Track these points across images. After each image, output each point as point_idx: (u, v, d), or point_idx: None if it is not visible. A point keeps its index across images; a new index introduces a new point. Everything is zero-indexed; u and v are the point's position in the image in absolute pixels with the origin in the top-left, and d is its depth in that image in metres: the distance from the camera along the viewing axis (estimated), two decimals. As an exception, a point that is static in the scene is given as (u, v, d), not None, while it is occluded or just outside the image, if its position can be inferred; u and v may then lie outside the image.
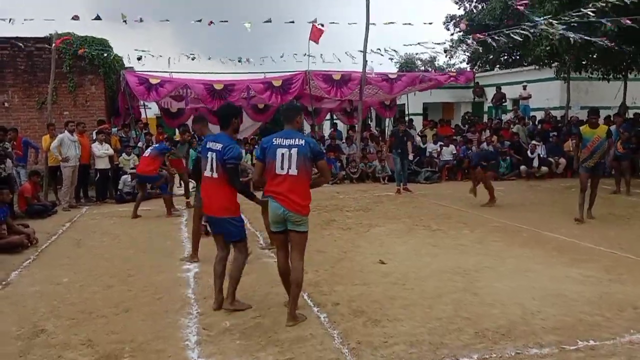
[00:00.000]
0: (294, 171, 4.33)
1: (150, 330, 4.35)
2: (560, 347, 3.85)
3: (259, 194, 4.83)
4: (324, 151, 13.13)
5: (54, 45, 12.69)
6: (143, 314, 4.73)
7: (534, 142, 15.08)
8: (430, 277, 5.62)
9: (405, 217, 9.20)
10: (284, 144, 4.38)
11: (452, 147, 15.26)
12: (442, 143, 15.45)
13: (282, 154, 4.34)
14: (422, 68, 37.19)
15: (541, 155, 14.86)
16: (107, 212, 10.55)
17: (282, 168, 4.34)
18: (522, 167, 14.75)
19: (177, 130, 15.36)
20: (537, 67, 17.46)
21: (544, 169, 14.70)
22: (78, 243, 7.81)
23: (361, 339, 4.05)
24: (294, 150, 4.34)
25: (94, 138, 11.97)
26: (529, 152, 14.88)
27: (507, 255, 6.51)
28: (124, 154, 12.60)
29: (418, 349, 3.85)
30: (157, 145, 10.54)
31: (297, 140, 4.39)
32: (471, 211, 9.73)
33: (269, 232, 5.19)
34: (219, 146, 4.62)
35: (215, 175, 4.66)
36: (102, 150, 11.64)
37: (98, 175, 11.80)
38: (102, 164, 11.70)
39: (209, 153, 4.68)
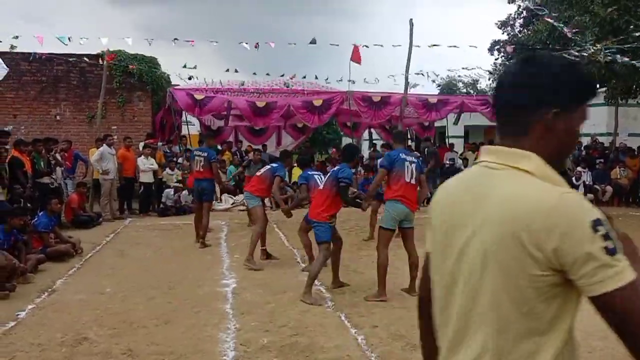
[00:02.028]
0: (414, 181, 5.58)
1: (190, 343, 4.40)
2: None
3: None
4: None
5: (105, 61, 13.17)
6: (183, 327, 4.79)
7: (579, 168, 14.67)
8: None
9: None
10: (408, 159, 5.62)
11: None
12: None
13: (407, 167, 5.53)
14: (464, 91, 36.83)
15: (587, 183, 14.43)
16: (150, 224, 10.79)
17: (408, 177, 5.52)
18: (567, 194, 14.33)
19: (219, 147, 15.71)
20: None
21: (590, 196, 14.24)
22: (121, 254, 8.01)
23: (400, 364, 3.98)
24: (414, 165, 5.58)
25: (140, 151, 12.32)
26: (574, 179, 14.47)
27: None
28: (167, 169, 12.90)
29: (459, 377, 3.75)
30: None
31: (412, 157, 5.77)
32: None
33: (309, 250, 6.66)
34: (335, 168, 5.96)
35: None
36: (147, 164, 11.96)
37: (142, 189, 12.11)
38: (146, 178, 12.00)
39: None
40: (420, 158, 6.37)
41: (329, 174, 6.01)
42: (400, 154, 5.64)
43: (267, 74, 14.09)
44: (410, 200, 5.56)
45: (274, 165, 7.62)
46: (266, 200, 11.23)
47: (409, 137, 20.90)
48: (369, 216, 8.76)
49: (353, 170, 6.23)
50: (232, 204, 12.99)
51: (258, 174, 7.64)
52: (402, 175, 5.51)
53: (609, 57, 11.47)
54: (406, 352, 4.22)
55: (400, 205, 5.50)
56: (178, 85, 16.02)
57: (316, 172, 7.37)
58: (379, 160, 6.32)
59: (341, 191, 5.67)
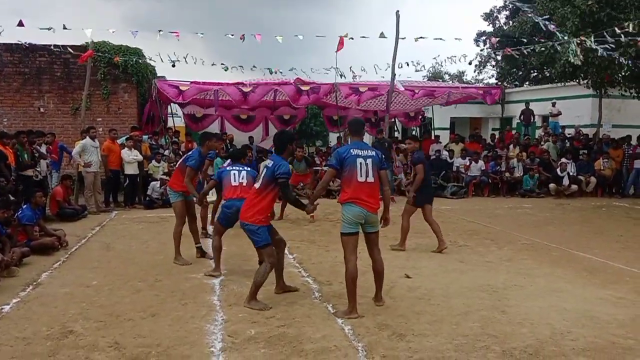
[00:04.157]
0: (371, 179, 4.91)
1: (177, 335, 4.39)
2: (592, 370, 3.76)
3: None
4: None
5: (87, 52, 12.95)
6: (170, 319, 4.78)
7: (563, 160, 14.83)
8: (458, 294, 5.54)
9: (431, 232, 9.07)
10: (361, 154, 4.92)
11: (481, 162, 15.10)
12: (470, 158, 15.29)
13: (361, 164, 4.88)
14: (450, 83, 36.99)
15: (571, 174, 14.60)
16: (136, 217, 10.72)
17: (361, 176, 4.87)
18: (552, 185, 14.50)
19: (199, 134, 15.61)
20: (562, 83, 17.22)
21: (574, 187, 14.43)
22: (107, 247, 7.95)
23: (386, 353, 4.01)
24: (369, 160, 4.91)
25: (124, 143, 12.21)
26: (558, 170, 14.63)
27: (536, 274, 6.39)
28: (153, 161, 12.80)
29: (444, 366, 3.80)
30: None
31: (369, 151, 5.01)
32: (499, 228, 9.59)
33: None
34: (269, 163, 5.16)
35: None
36: (131, 156, 11.86)
37: (127, 181, 12.03)
38: (131, 170, 11.91)
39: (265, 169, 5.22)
40: (380, 151, 5.35)
41: (264, 171, 5.18)
42: (352, 150, 4.93)
43: (254, 67, 13.96)
44: (367, 201, 4.89)
45: (189, 153, 7.20)
46: None
47: (395, 128, 20.97)
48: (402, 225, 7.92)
49: (290, 165, 5.71)
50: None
51: (177, 166, 7.24)
52: (354, 175, 4.88)
53: (588, 46, 11.49)
54: (392, 341, 4.26)
55: (354, 208, 4.87)
56: (164, 76, 15.88)
57: (237, 168, 6.75)
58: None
59: (282, 189, 5.08)
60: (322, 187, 5.45)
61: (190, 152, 7.21)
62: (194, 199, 7.11)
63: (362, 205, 4.88)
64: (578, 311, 4.99)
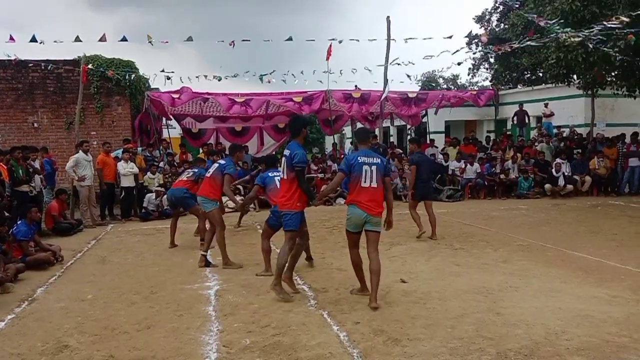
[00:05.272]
0: (374, 184, 5.33)
1: (172, 346, 4.39)
2: (586, 369, 3.76)
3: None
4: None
5: (83, 69, 12.99)
6: (165, 331, 4.77)
7: (558, 160, 14.87)
8: (453, 297, 5.55)
9: (427, 236, 9.12)
10: (367, 161, 5.36)
11: (476, 165, 15.13)
12: (465, 161, 15.32)
13: (366, 170, 5.33)
14: (445, 87, 37.13)
15: (566, 174, 14.64)
16: (132, 229, 10.72)
17: (365, 181, 5.32)
18: (547, 186, 14.54)
19: (200, 150, 15.66)
20: (555, 84, 17.29)
21: (569, 187, 14.47)
22: (103, 260, 7.95)
23: (381, 358, 4.01)
24: (374, 167, 5.35)
25: (120, 157, 12.22)
26: (553, 170, 14.67)
27: (531, 275, 6.40)
28: (148, 173, 12.81)
29: (439, 369, 3.80)
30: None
31: (375, 158, 5.44)
32: (494, 230, 9.61)
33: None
34: (287, 152, 5.62)
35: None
36: (127, 168, 11.88)
37: (123, 194, 12.03)
38: (127, 182, 11.93)
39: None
40: (386, 158, 6.08)
41: (284, 161, 5.66)
42: (359, 158, 5.38)
43: (247, 72, 14.05)
44: (367, 204, 5.31)
45: (222, 162, 7.37)
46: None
47: (390, 133, 21.04)
48: (411, 215, 9.11)
49: (334, 166, 6.21)
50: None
51: (208, 174, 7.41)
52: (359, 180, 5.33)
53: (579, 40, 11.44)
54: (388, 346, 4.26)
55: (357, 209, 5.33)
56: (157, 89, 15.92)
57: (277, 173, 6.74)
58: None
59: (297, 176, 5.53)
60: (332, 188, 5.99)
61: (223, 162, 7.35)
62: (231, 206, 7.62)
63: (363, 208, 5.31)
64: (573, 310, 5.00)
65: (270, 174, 6.96)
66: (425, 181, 9.06)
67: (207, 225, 7.78)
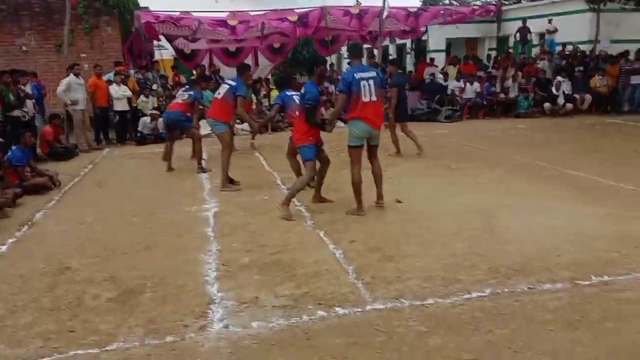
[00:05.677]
0: (374, 98, 5.45)
1: (171, 266, 4.49)
2: (574, 283, 3.87)
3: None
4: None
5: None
6: (164, 251, 4.87)
7: (559, 78, 14.59)
8: (448, 216, 5.61)
9: (424, 156, 9.12)
10: (364, 76, 5.42)
11: (476, 84, 14.85)
12: (465, 80, 15.03)
13: (364, 85, 5.39)
14: (447, 1, 35.76)
15: (566, 92, 14.42)
16: (128, 153, 10.70)
17: (366, 96, 5.40)
18: (546, 105, 14.36)
19: (193, 71, 15.28)
20: None
21: (569, 105, 14.30)
22: (100, 184, 7.98)
23: (375, 274, 4.12)
24: (371, 81, 5.42)
25: (112, 80, 11.95)
26: (553, 88, 14.43)
27: (527, 194, 6.44)
28: (142, 96, 12.57)
29: (431, 284, 3.91)
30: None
31: (370, 72, 5.55)
32: (492, 150, 9.59)
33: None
34: (302, 90, 5.85)
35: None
36: (119, 92, 11.65)
37: (117, 117, 11.89)
38: (121, 106, 11.73)
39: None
40: (380, 70, 6.37)
41: (298, 98, 5.98)
42: (355, 74, 5.45)
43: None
44: (372, 119, 5.52)
45: (232, 83, 7.21)
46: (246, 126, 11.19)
47: (389, 53, 20.48)
48: (390, 135, 9.06)
49: (320, 87, 6.19)
50: (210, 131, 12.82)
51: (218, 96, 7.26)
52: (360, 96, 5.41)
53: None
54: (382, 262, 4.36)
55: (361, 124, 5.50)
56: (147, 7, 15.31)
57: (295, 93, 7.01)
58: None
59: (306, 112, 5.67)
60: (337, 111, 5.92)
61: (233, 83, 7.20)
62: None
63: (368, 122, 5.50)
64: (566, 228, 5.07)
65: (287, 93, 6.98)
66: (404, 105, 9.17)
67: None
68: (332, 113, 6.18)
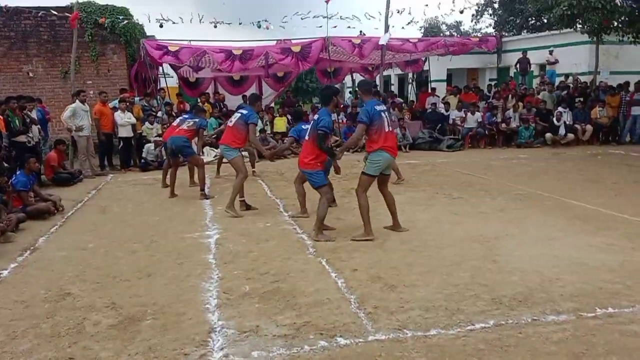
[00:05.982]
0: (392, 128, 5.88)
1: (172, 293, 4.47)
2: (578, 314, 3.83)
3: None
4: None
5: (74, 14, 12.63)
6: (165, 278, 4.85)
7: (560, 109, 14.71)
8: (450, 245, 5.61)
9: (426, 185, 9.15)
10: (382, 109, 5.82)
11: (477, 114, 14.95)
12: (466, 110, 15.14)
13: (384, 117, 5.76)
14: (447, 33, 36.34)
15: (567, 122, 14.52)
16: (131, 179, 10.74)
17: (388, 127, 5.77)
18: (548, 135, 14.45)
19: (198, 100, 15.43)
20: (559, 30, 16.84)
21: (570, 136, 14.39)
22: (103, 210, 7.99)
23: (377, 304, 4.09)
24: (386, 114, 5.84)
25: (117, 107, 12.08)
26: (554, 119, 14.54)
27: (529, 224, 6.44)
28: (147, 123, 12.70)
29: (434, 314, 3.88)
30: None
31: (384, 105, 6.01)
32: (494, 179, 9.62)
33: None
34: (316, 117, 6.08)
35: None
36: (124, 118, 11.78)
37: (121, 144, 11.98)
38: (125, 132, 11.85)
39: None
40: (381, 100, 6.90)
41: (312, 123, 6.18)
42: (376, 107, 5.76)
43: (240, 23, 13.72)
44: (393, 147, 5.84)
45: (244, 112, 7.40)
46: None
47: (390, 82, 20.71)
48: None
49: (334, 116, 6.41)
50: (214, 157, 12.91)
51: (230, 124, 7.51)
52: (382, 127, 5.70)
53: None
54: (384, 292, 4.33)
55: (385, 154, 5.75)
56: (153, 36, 15.55)
57: (308, 126, 7.07)
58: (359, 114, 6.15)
59: (318, 138, 5.87)
60: (355, 140, 6.27)
61: (245, 111, 7.40)
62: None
63: (391, 153, 5.81)
64: (568, 258, 5.06)
65: (303, 127, 7.25)
66: None
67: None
68: (349, 141, 6.61)
